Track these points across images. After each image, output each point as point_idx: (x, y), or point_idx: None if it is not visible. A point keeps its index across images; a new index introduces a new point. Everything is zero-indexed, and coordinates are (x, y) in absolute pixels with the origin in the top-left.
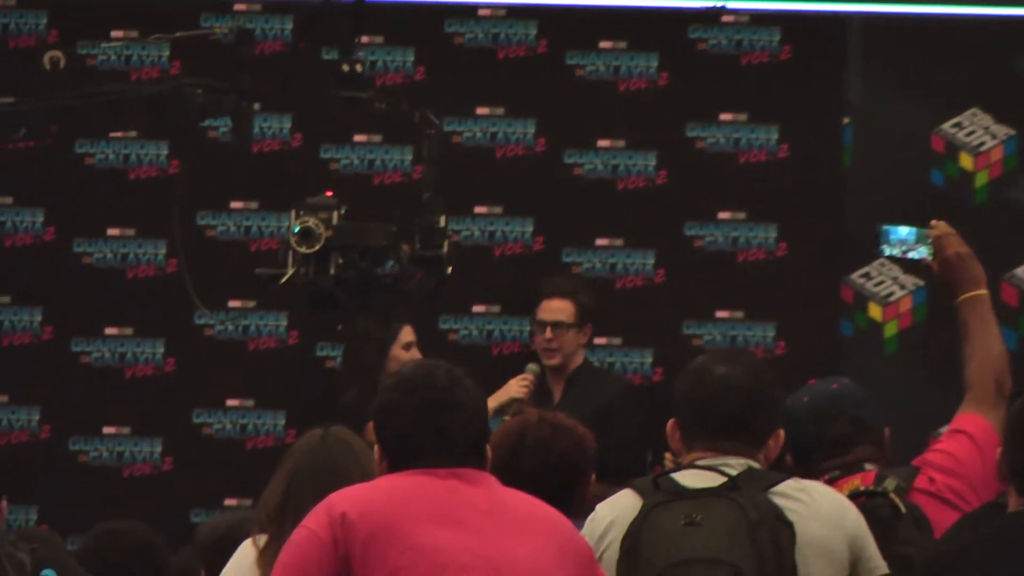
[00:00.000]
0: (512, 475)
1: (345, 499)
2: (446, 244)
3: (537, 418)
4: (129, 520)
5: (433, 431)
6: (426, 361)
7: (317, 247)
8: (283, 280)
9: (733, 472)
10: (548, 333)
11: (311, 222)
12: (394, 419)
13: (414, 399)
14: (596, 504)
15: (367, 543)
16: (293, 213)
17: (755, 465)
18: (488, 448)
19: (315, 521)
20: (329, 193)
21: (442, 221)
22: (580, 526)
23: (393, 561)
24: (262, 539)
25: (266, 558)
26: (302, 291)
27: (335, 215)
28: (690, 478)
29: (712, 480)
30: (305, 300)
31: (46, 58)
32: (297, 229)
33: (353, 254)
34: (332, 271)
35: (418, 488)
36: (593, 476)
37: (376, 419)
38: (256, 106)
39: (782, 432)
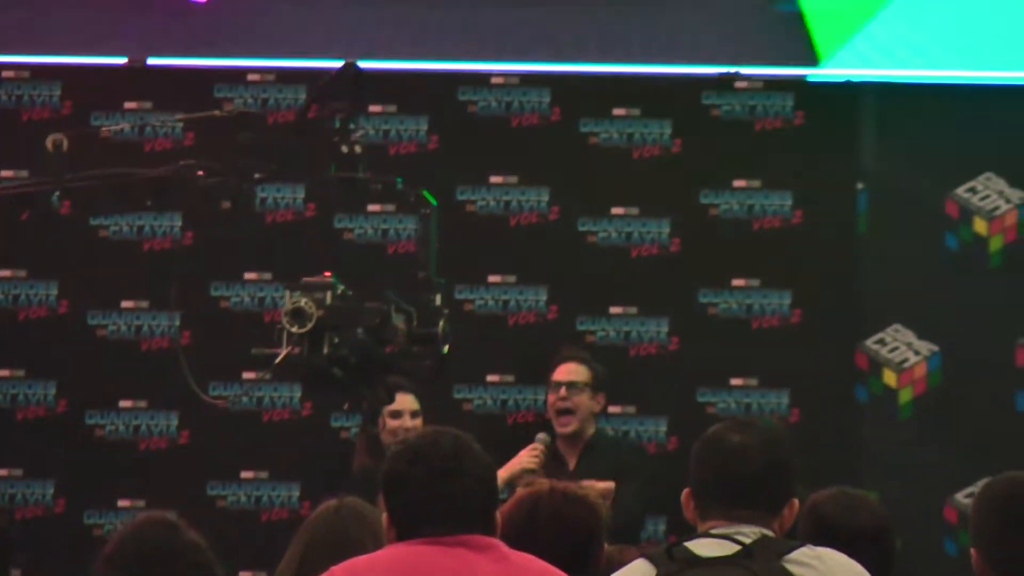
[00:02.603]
0: (526, 545)
1: (345, 572)
2: (441, 323)
3: (549, 488)
4: None
5: (439, 499)
6: (433, 429)
7: (309, 327)
8: (277, 360)
9: (747, 540)
10: (563, 392)
11: (303, 302)
12: (401, 488)
13: (420, 468)
14: (607, 568)
15: None
16: (287, 293)
17: (769, 533)
18: (497, 515)
19: None
20: (327, 273)
21: (438, 300)
22: None
23: None
24: None
25: None
26: (299, 370)
27: (329, 295)
28: (704, 547)
29: (726, 549)
30: (301, 380)
31: (49, 141)
32: (288, 309)
33: (351, 332)
34: (325, 350)
35: (420, 560)
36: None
37: (383, 488)
38: (257, 188)
39: (796, 501)
